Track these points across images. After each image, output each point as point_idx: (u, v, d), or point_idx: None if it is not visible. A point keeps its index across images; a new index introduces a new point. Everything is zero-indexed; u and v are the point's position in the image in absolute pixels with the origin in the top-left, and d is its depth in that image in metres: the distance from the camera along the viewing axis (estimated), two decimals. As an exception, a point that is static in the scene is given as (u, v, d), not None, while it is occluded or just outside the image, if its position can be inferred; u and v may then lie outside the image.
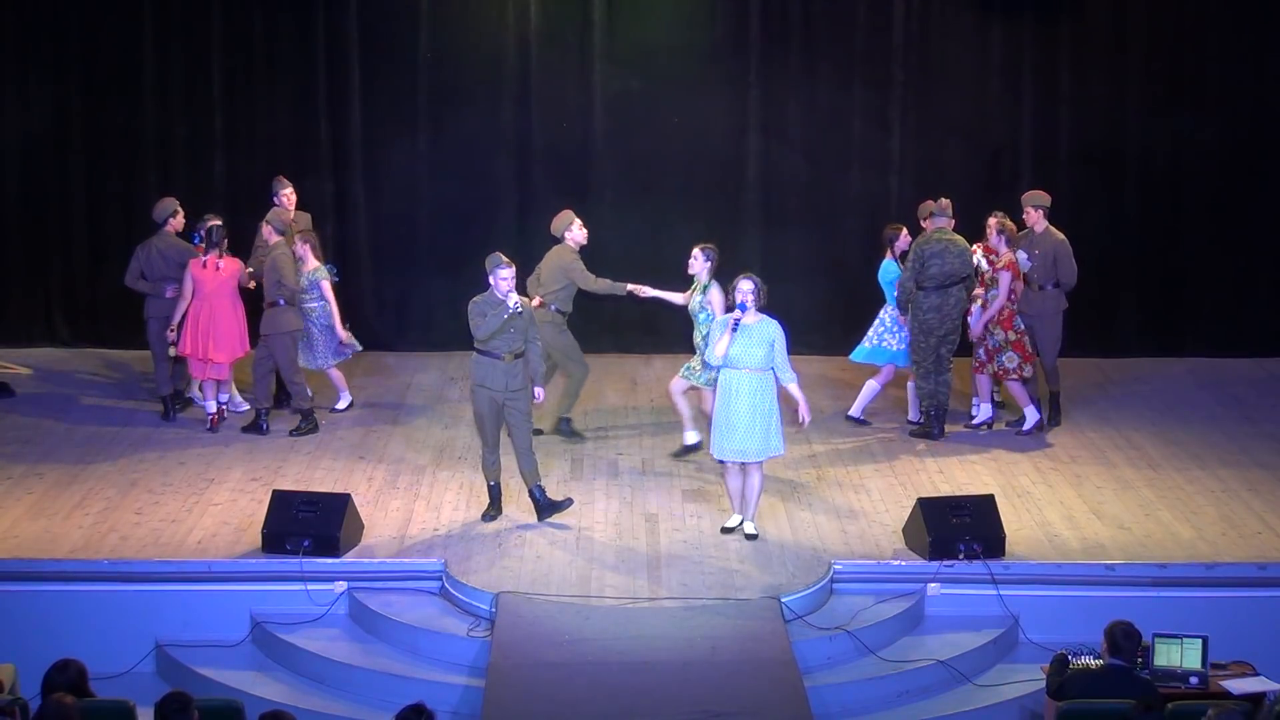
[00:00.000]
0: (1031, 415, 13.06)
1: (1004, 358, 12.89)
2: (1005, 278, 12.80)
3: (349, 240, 15.21)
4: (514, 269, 11.01)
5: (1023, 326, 12.94)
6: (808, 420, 11.08)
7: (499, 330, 10.93)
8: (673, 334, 14.64)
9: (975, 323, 12.95)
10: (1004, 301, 12.84)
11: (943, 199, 13.07)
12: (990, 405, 13.26)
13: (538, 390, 11.26)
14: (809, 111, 15.44)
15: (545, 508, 11.28)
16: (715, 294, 12.00)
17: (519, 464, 11.26)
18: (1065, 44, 15.40)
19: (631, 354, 15.20)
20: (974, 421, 13.22)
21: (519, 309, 10.92)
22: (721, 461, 11.08)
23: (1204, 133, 15.38)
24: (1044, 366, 13.23)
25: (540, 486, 11.29)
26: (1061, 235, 13.08)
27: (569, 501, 11.34)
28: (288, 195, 13.63)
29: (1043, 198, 13.15)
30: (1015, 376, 12.93)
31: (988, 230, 13.14)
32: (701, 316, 12.07)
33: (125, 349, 15.12)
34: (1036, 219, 13.07)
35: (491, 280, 10.98)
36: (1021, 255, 13.00)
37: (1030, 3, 15.33)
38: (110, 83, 15.26)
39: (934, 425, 13.01)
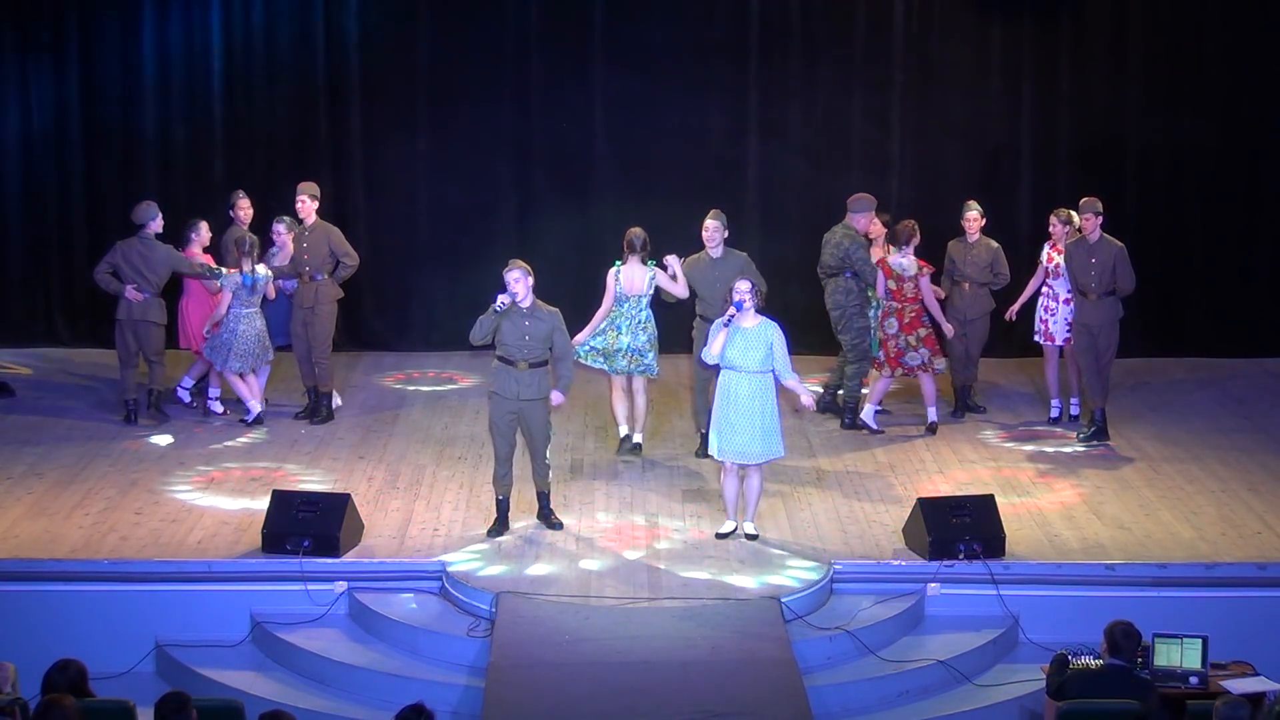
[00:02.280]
0: (931, 416, 13.16)
1: (909, 357, 12.95)
2: (882, 278, 12.99)
3: (349, 240, 15.17)
4: (519, 271, 10.81)
5: (928, 320, 12.97)
6: (811, 406, 11.22)
7: (490, 332, 10.87)
8: (672, 334, 14.64)
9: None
10: (885, 301, 12.98)
11: (859, 195, 13.39)
12: (873, 407, 13.30)
13: (555, 394, 11.06)
14: (809, 112, 15.45)
15: (544, 515, 11.26)
16: (610, 275, 12.34)
17: (533, 470, 11.18)
18: (1065, 44, 15.41)
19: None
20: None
21: (501, 309, 10.80)
22: (721, 462, 11.09)
23: (1204, 132, 15.38)
24: (1097, 378, 13.01)
25: (547, 496, 11.26)
26: (1119, 242, 12.84)
27: (560, 526, 11.25)
28: (301, 203, 13.53)
29: (1096, 204, 12.88)
30: (926, 370, 13.01)
31: (1052, 228, 13.29)
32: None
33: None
34: (1093, 226, 12.81)
35: None
36: (903, 259, 12.94)
37: (1030, 3, 15.35)
38: (110, 83, 15.26)
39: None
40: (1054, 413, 13.59)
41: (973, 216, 13.45)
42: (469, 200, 15.43)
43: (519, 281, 10.82)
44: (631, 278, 12.28)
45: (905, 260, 12.92)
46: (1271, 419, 13.79)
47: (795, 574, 10.58)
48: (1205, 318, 15.67)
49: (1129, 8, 15.35)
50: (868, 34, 15.38)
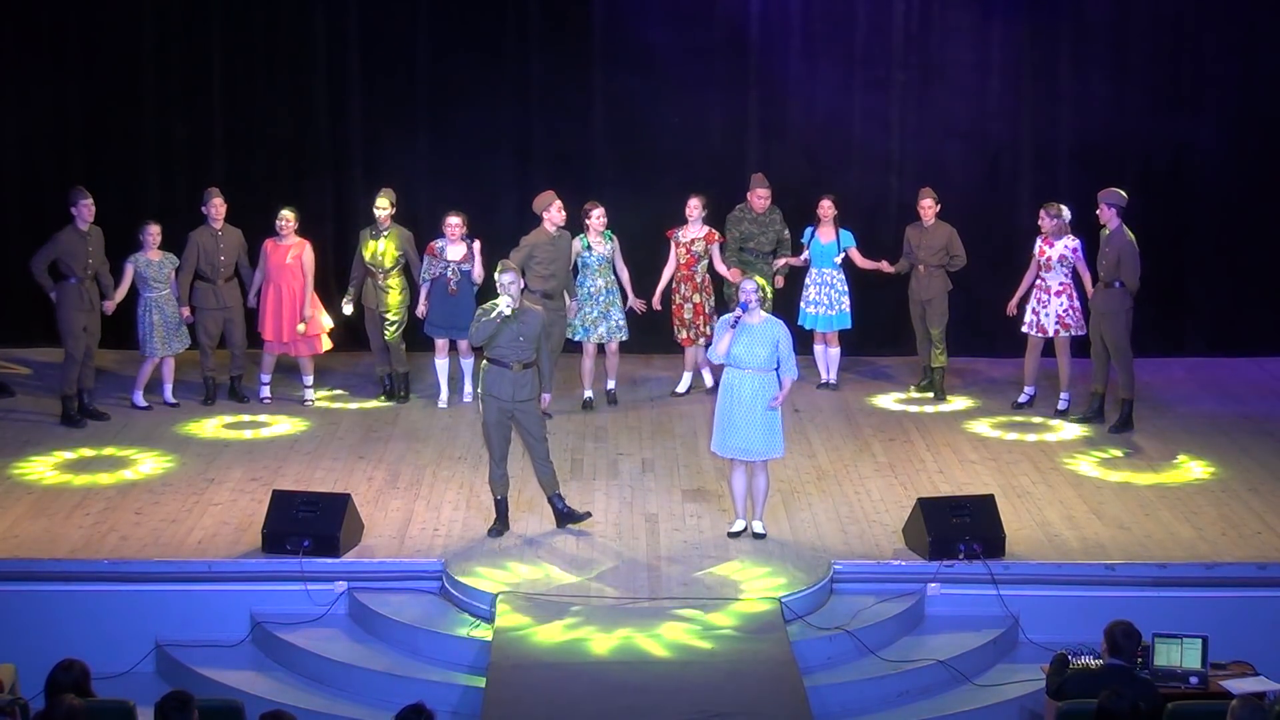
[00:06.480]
0: (685, 382, 14.24)
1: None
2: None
3: (349, 240, 15.19)
4: (512, 274, 10.84)
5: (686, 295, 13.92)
6: (777, 405, 10.77)
7: (492, 336, 10.88)
8: (671, 333, 14.64)
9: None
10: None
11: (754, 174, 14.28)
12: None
13: (545, 397, 11.15)
14: (809, 111, 15.44)
15: (564, 516, 11.20)
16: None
17: (536, 473, 11.16)
18: (1065, 44, 15.41)
19: (632, 354, 15.17)
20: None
21: (507, 311, 10.85)
22: (729, 459, 11.09)
23: (1204, 132, 15.38)
24: (1115, 367, 13.12)
25: (559, 495, 11.21)
26: (1131, 236, 12.99)
27: (588, 514, 11.22)
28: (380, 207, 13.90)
29: (1119, 196, 13.05)
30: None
31: (1041, 222, 13.47)
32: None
33: (125, 349, 15.11)
34: (1109, 216, 13.00)
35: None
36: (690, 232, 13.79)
37: (1030, 3, 15.34)
38: (110, 83, 15.26)
39: None
40: (1023, 398, 13.80)
41: (927, 204, 13.91)
42: (469, 200, 15.38)
43: (514, 284, 10.83)
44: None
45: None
46: (1271, 419, 13.79)
47: (795, 574, 10.58)
48: (1205, 318, 15.68)
49: (1129, 7, 15.35)
50: (868, 34, 15.38)
